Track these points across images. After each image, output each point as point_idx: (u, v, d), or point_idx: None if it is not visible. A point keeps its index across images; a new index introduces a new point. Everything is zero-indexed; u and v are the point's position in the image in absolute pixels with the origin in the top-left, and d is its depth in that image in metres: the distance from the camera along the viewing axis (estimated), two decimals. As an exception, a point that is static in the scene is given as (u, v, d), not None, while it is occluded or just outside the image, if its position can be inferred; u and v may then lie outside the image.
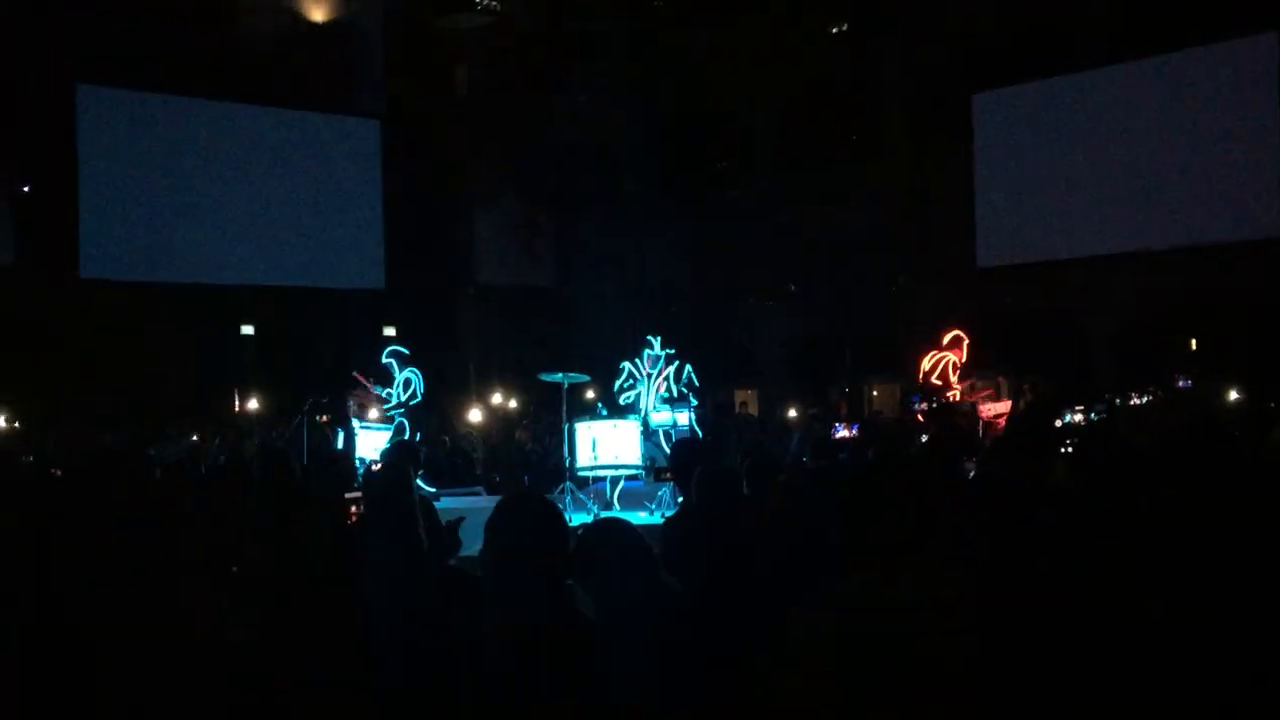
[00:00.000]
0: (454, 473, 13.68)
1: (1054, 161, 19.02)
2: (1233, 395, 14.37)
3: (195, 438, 15.44)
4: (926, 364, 13.58)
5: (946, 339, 13.51)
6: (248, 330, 20.73)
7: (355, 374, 12.80)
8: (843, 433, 14.37)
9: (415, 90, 21.37)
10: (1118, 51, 18.14)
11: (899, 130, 20.96)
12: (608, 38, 22.49)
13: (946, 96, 19.80)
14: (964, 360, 13.21)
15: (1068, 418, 12.33)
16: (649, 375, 11.69)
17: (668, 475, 9.46)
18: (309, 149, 20.22)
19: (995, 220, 19.68)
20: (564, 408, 11.17)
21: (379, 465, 6.46)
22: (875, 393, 22.55)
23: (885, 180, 20.85)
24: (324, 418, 13.36)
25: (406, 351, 13.04)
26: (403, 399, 12.45)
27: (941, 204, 20.19)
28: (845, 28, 21.75)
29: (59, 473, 8.67)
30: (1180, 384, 15.07)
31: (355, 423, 11.98)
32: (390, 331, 19.85)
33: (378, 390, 12.21)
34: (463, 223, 22.36)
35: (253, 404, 18.77)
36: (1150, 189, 17.94)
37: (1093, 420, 12.13)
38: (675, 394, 11.86)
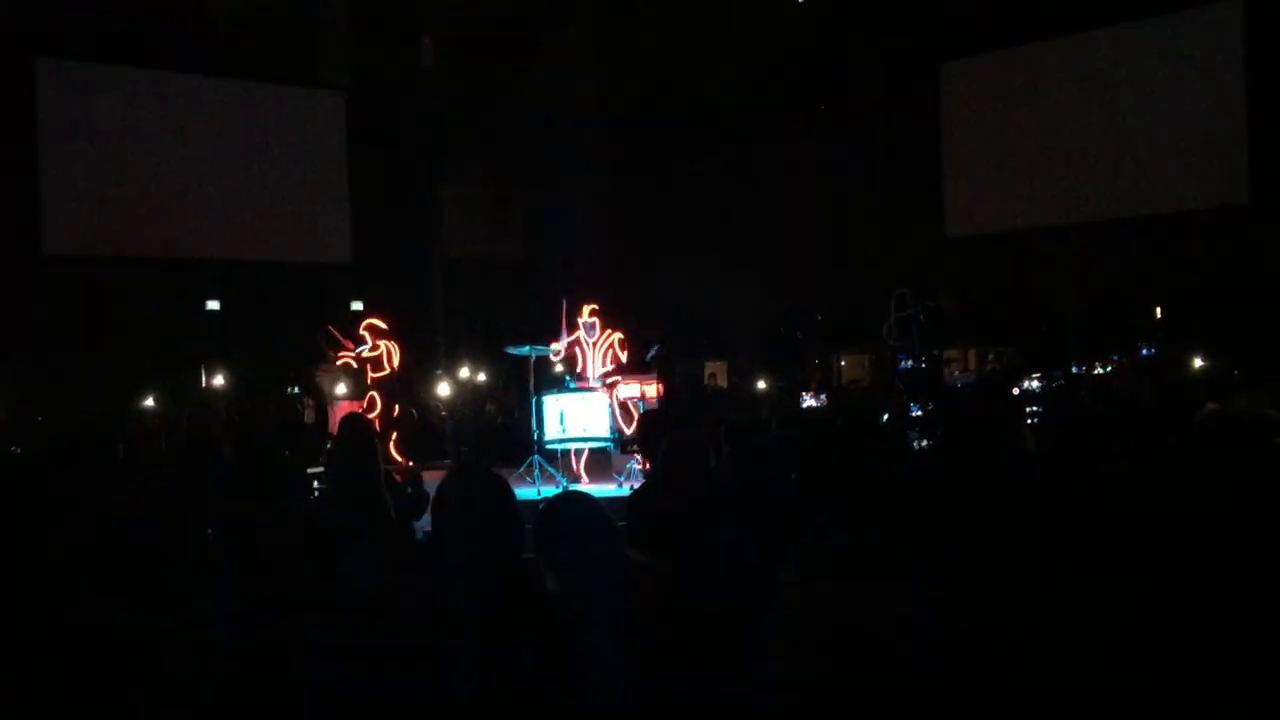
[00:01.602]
0: (423, 446, 13.68)
1: (1021, 130, 19.09)
2: (1197, 363, 14.49)
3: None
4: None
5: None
6: (213, 305, 20.58)
7: (329, 328, 12.79)
8: (809, 402, 14.44)
9: (380, 62, 21.18)
10: (1084, 19, 18.17)
11: (866, 100, 20.92)
12: (575, 6, 22.33)
13: (914, 65, 19.80)
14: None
15: (1026, 385, 12.41)
16: (593, 344, 11.68)
17: (633, 448, 9.50)
18: (273, 122, 20.06)
19: (963, 190, 19.75)
20: (531, 380, 11.18)
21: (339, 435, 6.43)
22: (844, 363, 22.59)
23: (853, 150, 20.83)
24: (294, 389, 13.35)
25: (383, 325, 13.04)
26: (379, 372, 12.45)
27: (910, 174, 20.21)
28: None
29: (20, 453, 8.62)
30: (1143, 352, 15.18)
31: (335, 391, 11.96)
32: (358, 305, 19.76)
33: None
34: (430, 195, 22.22)
35: (219, 379, 18.65)
36: (1116, 157, 18.03)
37: (1051, 387, 12.21)
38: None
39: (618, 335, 11.80)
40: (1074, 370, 13.74)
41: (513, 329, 17.35)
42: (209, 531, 4.30)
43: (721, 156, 22.60)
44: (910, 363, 11.21)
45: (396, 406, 12.92)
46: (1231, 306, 17.34)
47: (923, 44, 19.62)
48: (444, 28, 22.25)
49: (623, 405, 11.47)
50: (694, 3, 21.31)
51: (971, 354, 14.89)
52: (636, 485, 9.24)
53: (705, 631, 3.41)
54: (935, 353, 12.78)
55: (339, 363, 12.54)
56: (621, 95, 22.79)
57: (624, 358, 11.92)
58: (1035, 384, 12.30)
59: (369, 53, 21.16)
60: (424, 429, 14.86)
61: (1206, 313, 17.76)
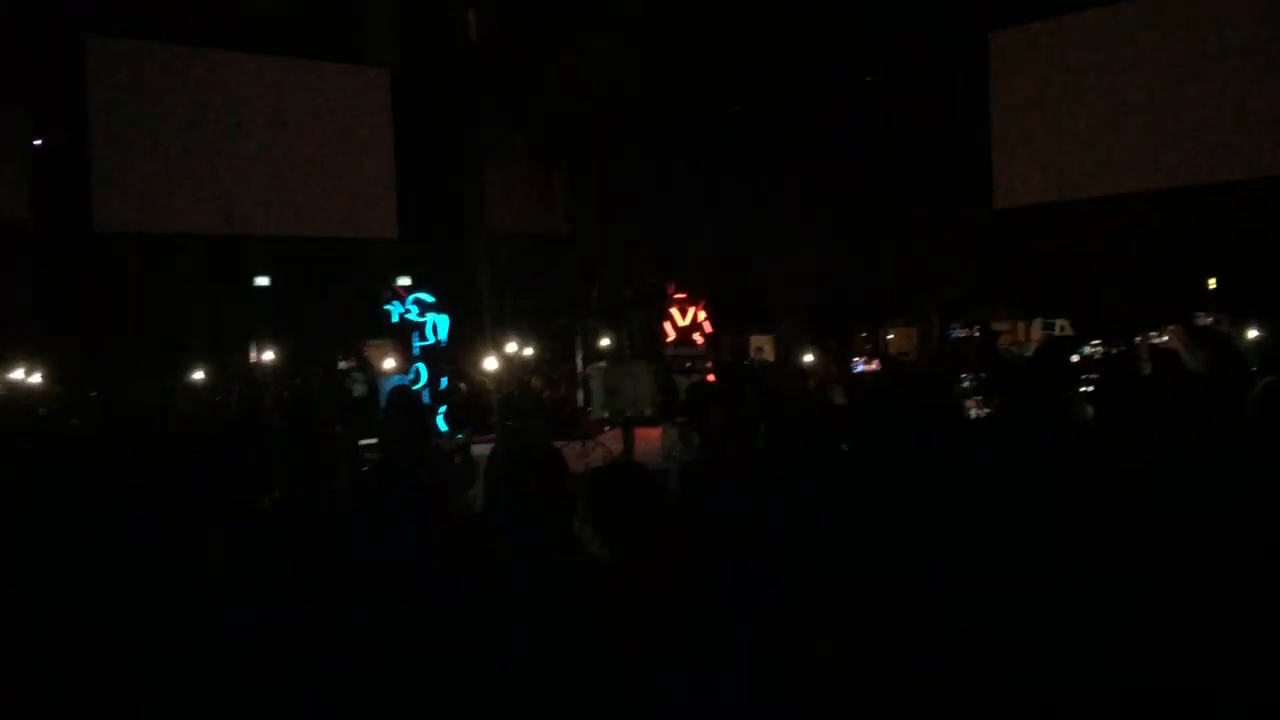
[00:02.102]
0: (470, 419, 13.75)
1: (1071, 100, 18.82)
2: (1252, 333, 14.29)
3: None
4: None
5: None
6: (263, 281, 20.74)
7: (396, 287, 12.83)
8: (862, 367, 14.38)
9: (425, 38, 21.20)
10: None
11: (914, 71, 20.72)
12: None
13: (962, 35, 19.58)
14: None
15: (1086, 350, 12.26)
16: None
17: (682, 419, 9.47)
18: (319, 98, 20.11)
19: (1012, 161, 19.52)
20: (579, 354, 11.19)
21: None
22: (891, 336, 22.51)
23: (901, 121, 20.65)
24: (345, 363, 13.47)
25: (430, 299, 13.10)
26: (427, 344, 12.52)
27: (957, 145, 20.00)
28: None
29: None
30: (1201, 321, 14.97)
31: (384, 365, 12.07)
32: (404, 281, 19.86)
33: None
34: (474, 171, 22.26)
35: (268, 355, 18.82)
36: (1168, 127, 17.75)
37: (1110, 354, 12.04)
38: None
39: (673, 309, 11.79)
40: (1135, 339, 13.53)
41: (559, 303, 17.37)
42: (265, 504, 4.34)
43: (767, 129, 22.49)
44: (961, 333, 11.11)
45: (444, 379, 12.99)
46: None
47: (971, 13, 19.38)
48: (489, 2, 22.24)
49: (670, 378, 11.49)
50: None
51: (1021, 326, 14.75)
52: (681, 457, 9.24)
53: (751, 605, 3.40)
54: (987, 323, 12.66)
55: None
56: (667, 72, 22.70)
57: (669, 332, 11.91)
58: (1095, 350, 12.13)
59: (413, 28, 21.18)
60: (471, 402, 14.93)
61: (1260, 283, 17.55)
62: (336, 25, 20.29)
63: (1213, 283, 18.64)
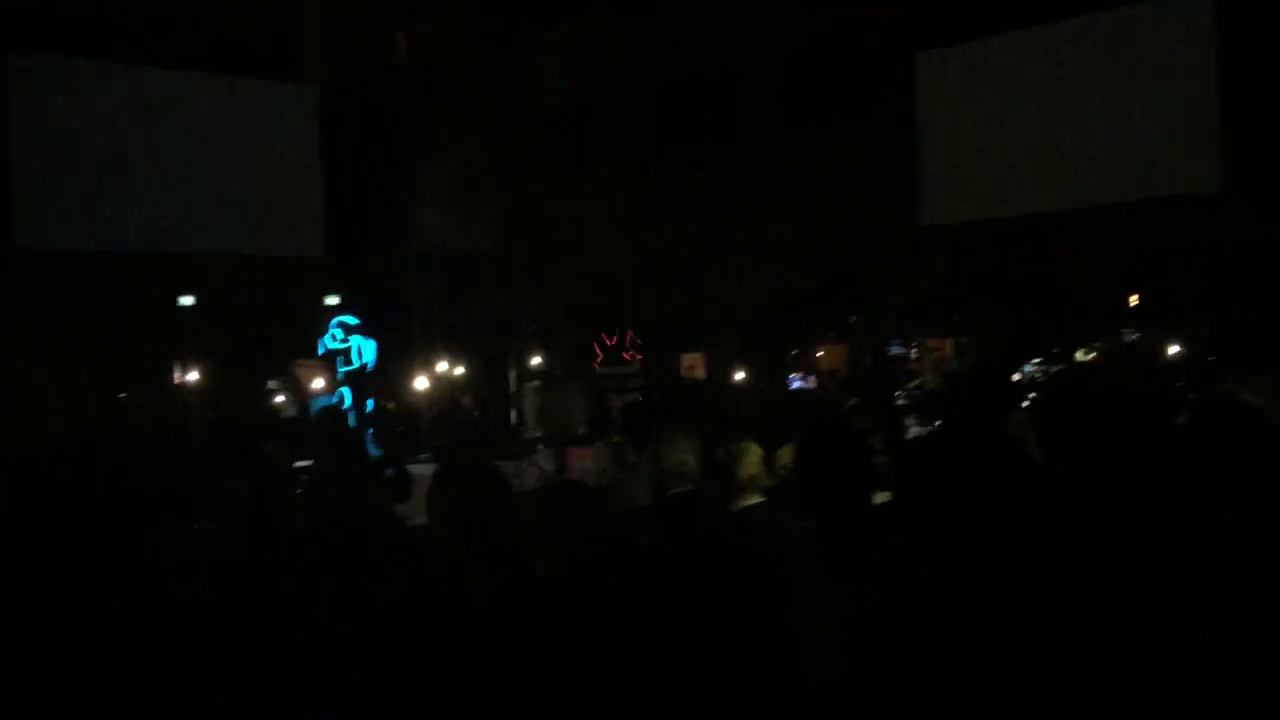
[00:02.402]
0: (398, 440, 13.62)
1: (995, 119, 19.13)
2: (1173, 349, 14.58)
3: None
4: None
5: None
6: (187, 300, 20.44)
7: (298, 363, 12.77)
8: (798, 384, 14.47)
9: (355, 55, 21.07)
10: (1057, 8, 18.21)
11: (842, 90, 20.89)
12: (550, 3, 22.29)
13: (889, 55, 19.82)
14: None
15: (1026, 369, 12.43)
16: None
17: (618, 439, 9.47)
18: (247, 115, 19.90)
19: (939, 178, 19.79)
20: (512, 373, 11.14)
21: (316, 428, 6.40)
22: (821, 353, 22.64)
23: (830, 142, 20.82)
24: (274, 383, 13.33)
25: (354, 321, 12.97)
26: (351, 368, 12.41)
27: (885, 164, 20.20)
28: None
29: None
30: (1126, 339, 15.26)
31: (313, 386, 11.95)
32: (333, 300, 19.67)
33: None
34: (405, 188, 22.11)
35: (193, 375, 18.52)
36: (1090, 144, 18.09)
37: (1051, 373, 12.22)
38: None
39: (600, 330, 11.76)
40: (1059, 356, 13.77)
41: (492, 321, 17.30)
42: (194, 526, 4.26)
43: (695, 148, 22.61)
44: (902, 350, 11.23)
45: (370, 401, 12.88)
46: (1205, 294, 17.50)
47: (897, 34, 19.61)
48: (418, 21, 22.16)
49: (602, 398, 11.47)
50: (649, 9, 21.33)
51: (949, 344, 14.99)
52: (613, 476, 9.22)
53: (707, 621, 3.38)
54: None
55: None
56: (599, 90, 22.76)
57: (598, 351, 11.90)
58: (1036, 370, 12.30)
59: (343, 45, 21.05)
60: (399, 423, 14.80)
61: (1181, 300, 17.93)
62: (264, 41, 20.10)
63: (1134, 300, 18.98)
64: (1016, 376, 11.42)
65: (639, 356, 12.03)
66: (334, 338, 12.84)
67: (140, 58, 18.65)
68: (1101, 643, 2.71)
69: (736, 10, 21.04)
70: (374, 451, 11.99)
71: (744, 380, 17.84)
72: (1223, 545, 2.84)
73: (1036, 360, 12.93)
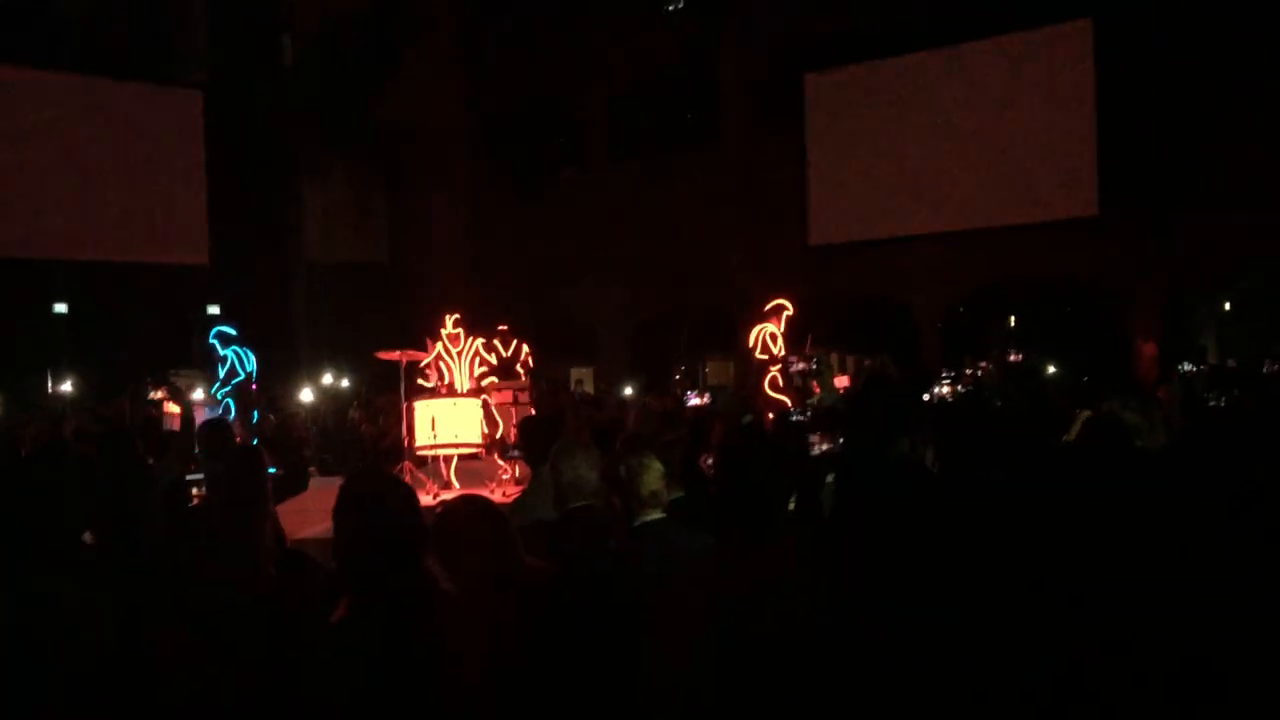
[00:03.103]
0: (284, 453, 13.35)
1: (882, 142, 19.51)
2: (1050, 369, 14.99)
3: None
4: (751, 338, 13.71)
5: (767, 308, 13.67)
6: (61, 308, 19.89)
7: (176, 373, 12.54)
8: (694, 401, 14.50)
9: (240, 61, 20.71)
10: (943, 35, 18.62)
11: (735, 109, 21.12)
12: (440, 10, 22.16)
13: (780, 76, 20.09)
14: (783, 330, 13.35)
15: (937, 389, 12.64)
16: (459, 353, 11.50)
17: (516, 453, 9.41)
18: (129, 120, 19.42)
19: (826, 199, 20.11)
20: (403, 386, 11.01)
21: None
22: (708, 369, 22.80)
23: (721, 159, 21.02)
24: (157, 393, 12.98)
25: (233, 331, 12.73)
26: (228, 379, 12.19)
27: (776, 183, 20.46)
28: (681, 5, 21.81)
29: None
30: (1011, 357, 15.64)
31: (194, 396, 11.67)
32: (214, 310, 19.28)
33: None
34: (291, 198, 21.78)
35: (66, 385, 18.01)
36: (973, 169, 18.54)
37: (960, 393, 12.44)
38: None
39: (479, 341, 11.65)
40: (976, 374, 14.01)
41: (378, 334, 17.07)
42: (83, 537, 4.13)
43: (588, 163, 22.68)
44: (797, 365, 11.32)
45: (255, 413, 12.64)
46: (1079, 315, 18.05)
47: (788, 54, 19.89)
48: (305, 26, 21.87)
49: (492, 412, 11.37)
50: (563, 8, 21.34)
51: (842, 359, 15.12)
52: (508, 492, 9.17)
53: (600, 637, 3.39)
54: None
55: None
56: (488, 98, 22.70)
57: (491, 361, 11.80)
58: (945, 389, 12.52)
59: (228, 49, 20.68)
60: (284, 435, 14.51)
61: (1055, 321, 18.46)
62: (147, 44, 19.66)
63: (1012, 320, 19.51)
64: (926, 396, 11.65)
65: (525, 373, 11.96)
66: (214, 349, 12.60)
67: (15, 58, 18.10)
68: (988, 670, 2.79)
69: (621, 25, 21.17)
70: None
71: (632, 395, 17.87)
72: (1117, 556, 2.94)
73: (946, 378, 13.20)
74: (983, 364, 14.31)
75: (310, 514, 7.32)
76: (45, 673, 2.89)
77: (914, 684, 2.87)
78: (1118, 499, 3.25)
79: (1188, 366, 13.98)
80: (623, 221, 21.58)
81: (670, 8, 21.86)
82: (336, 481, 3.98)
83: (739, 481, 3.30)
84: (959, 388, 12.44)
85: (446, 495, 8.70)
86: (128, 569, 4.33)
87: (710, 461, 5.79)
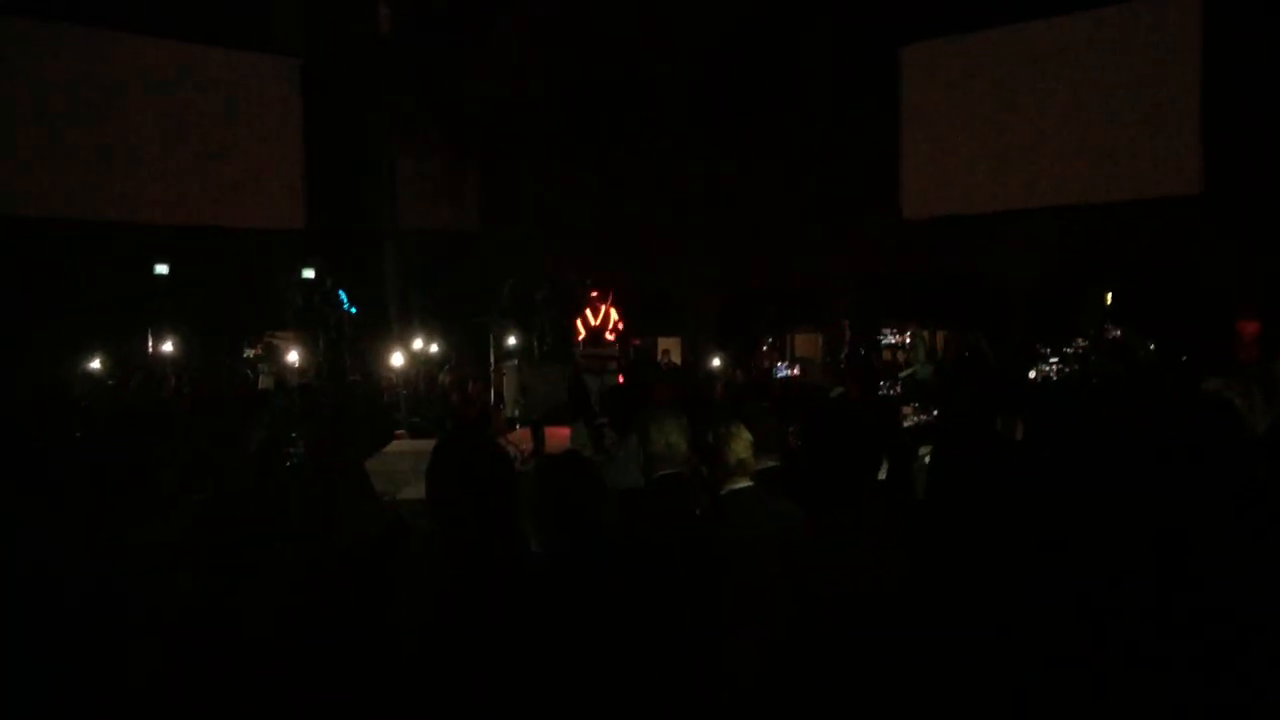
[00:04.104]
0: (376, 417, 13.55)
1: (978, 116, 19.19)
2: (1151, 347, 14.69)
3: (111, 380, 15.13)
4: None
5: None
6: (162, 270, 20.30)
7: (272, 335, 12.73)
8: (784, 372, 14.46)
9: (337, 28, 20.90)
10: (1044, 6, 18.25)
11: (825, 81, 20.89)
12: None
13: (874, 48, 19.83)
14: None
15: (1042, 367, 12.47)
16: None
17: (604, 421, 9.45)
18: (228, 87, 19.74)
19: (920, 173, 19.85)
20: (491, 352, 11.11)
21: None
22: (796, 341, 22.72)
23: (811, 131, 20.82)
24: (253, 351, 13.25)
25: (341, 295, 12.94)
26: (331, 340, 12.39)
27: (868, 156, 20.23)
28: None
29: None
30: (1111, 335, 15.36)
31: (288, 358, 11.93)
32: (309, 274, 19.54)
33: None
34: (385, 165, 21.99)
35: (167, 345, 18.41)
36: (1073, 143, 18.17)
37: (1065, 372, 12.25)
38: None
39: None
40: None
41: (468, 300, 17.23)
42: (185, 492, 4.23)
43: (678, 134, 22.58)
44: (894, 339, 11.24)
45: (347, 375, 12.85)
46: (1181, 294, 17.61)
47: (883, 26, 19.62)
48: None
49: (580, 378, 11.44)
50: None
51: (933, 335, 15.04)
52: (595, 457, 9.21)
53: (686, 601, 3.40)
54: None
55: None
56: (579, 71, 22.68)
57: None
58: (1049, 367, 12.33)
59: (325, 19, 20.88)
60: (373, 398, 14.72)
61: (1156, 299, 18.05)
62: (246, 12, 19.92)
63: (1110, 298, 19.11)
64: (1032, 374, 11.49)
65: (615, 340, 11.99)
66: (311, 310, 12.81)
67: (119, 24, 18.45)
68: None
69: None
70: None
71: (720, 366, 17.85)
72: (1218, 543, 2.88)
73: (1053, 359, 12.98)
74: (1080, 341, 14.06)
75: (401, 475, 7.42)
76: (126, 617, 2.97)
77: (984, 655, 2.84)
78: (1222, 484, 3.18)
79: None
80: (712, 192, 21.51)
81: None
82: (427, 445, 4.03)
83: (823, 453, 3.28)
84: (1063, 367, 12.23)
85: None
86: (218, 524, 4.42)
87: (795, 432, 5.77)
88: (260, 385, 12.55)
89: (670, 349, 22.34)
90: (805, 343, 22.50)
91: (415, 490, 6.49)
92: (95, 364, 16.63)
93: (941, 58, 19.85)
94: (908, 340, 10.96)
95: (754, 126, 21.34)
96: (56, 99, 17.87)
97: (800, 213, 20.56)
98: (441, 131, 22.48)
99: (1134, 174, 17.49)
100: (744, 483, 4.47)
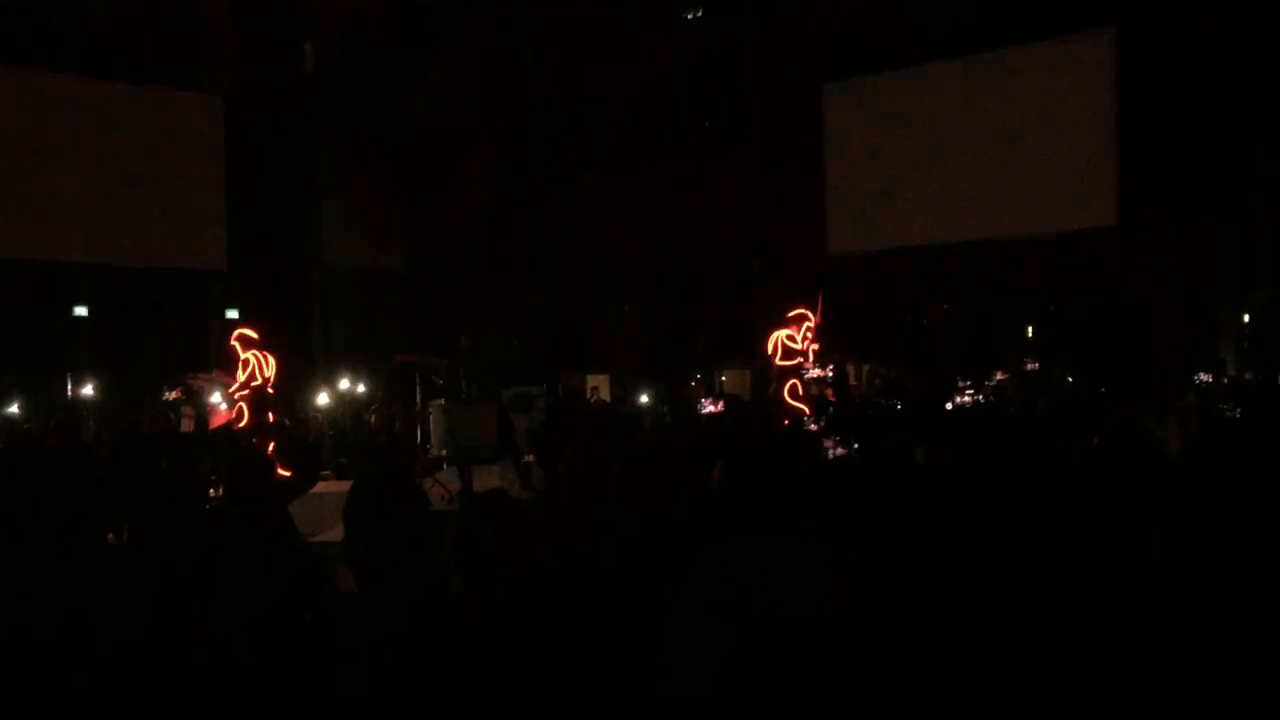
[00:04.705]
0: (299, 457, 13.38)
1: (900, 152, 19.49)
2: (1069, 379, 14.95)
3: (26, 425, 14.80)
4: (770, 345, 13.66)
5: (790, 315, 13.60)
6: (81, 311, 19.98)
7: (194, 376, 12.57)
8: (709, 408, 14.49)
9: (261, 67, 20.78)
10: (962, 45, 18.59)
11: (753, 116, 21.12)
12: (460, 18, 22.20)
13: (799, 84, 20.09)
14: (804, 338, 13.29)
15: (958, 399, 12.63)
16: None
17: (530, 458, 9.45)
18: (150, 125, 19.52)
19: (844, 208, 20.11)
20: (418, 390, 11.07)
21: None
22: (724, 378, 22.78)
23: (740, 166, 21.01)
24: (172, 394, 13.03)
25: (253, 335, 12.78)
26: (246, 383, 12.21)
27: (796, 190, 20.44)
28: (699, 15, 21.85)
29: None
30: (1028, 366, 15.62)
31: (213, 400, 11.74)
32: (233, 314, 19.32)
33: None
34: (309, 202, 21.85)
35: (87, 389, 18.09)
36: (993, 179, 18.50)
37: (980, 402, 12.41)
38: None
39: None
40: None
41: (395, 338, 17.14)
42: (107, 535, 4.17)
43: (606, 172, 22.66)
44: (814, 373, 11.30)
45: (270, 417, 12.67)
46: (1099, 326, 17.96)
47: (807, 63, 19.88)
48: (327, 33, 21.94)
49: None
50: (581, 20, 21.35)
51: (859, 368, 15.17)
52: (522, 496, 9.19)
53: (611, 639, 3.40)
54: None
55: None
56: (505, 104, 22.72)
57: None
58: (966, 398, 12.50)
59: (249, 56, 20.75)
60: (299, 440, 14.55)
61: (1075, 331, 18.39)
62: (169, 50, 19.74)
63: (1031, 330, 19.46)
64: (949, 405, 11.63)
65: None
66: (234, 352, 12.63)
67: (39, 62, 18.22)
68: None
69: (638, 36, 21.17)
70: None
71: (648, 403, 17.88)
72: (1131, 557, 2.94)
73: (967, 388, 13.15)
74: (1000, 374, 14.30)
75: (326, 517, 7.35)
76: (74, 660, 2.92)
77: (912, 678, 2.87)
78: (1136, 503, 3.25)
79: (1204, 377, 13.93)
80: (641, 227, 21.59)
81: (689, 16, 21.89)
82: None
83: (744, 487, 3.30)
84: (979, 397, 12.41)
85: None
86: (147, 567, 4.37)
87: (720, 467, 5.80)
88: (182, 429, 12.38)
89: (599, 386, 22.33)
90: (735, 378, 22.59)
91: (338, 532, 6.45)
92: (14, 408, 16.30)
93: (863, 95, 20.16)
94: (829, 374, 11.08)
95: (681, 162, 21.49)
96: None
97: (729, 247, 20.70)
98: (367, 169, 22.38)
99: (1053, 206, 17.84)
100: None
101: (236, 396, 12.39)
